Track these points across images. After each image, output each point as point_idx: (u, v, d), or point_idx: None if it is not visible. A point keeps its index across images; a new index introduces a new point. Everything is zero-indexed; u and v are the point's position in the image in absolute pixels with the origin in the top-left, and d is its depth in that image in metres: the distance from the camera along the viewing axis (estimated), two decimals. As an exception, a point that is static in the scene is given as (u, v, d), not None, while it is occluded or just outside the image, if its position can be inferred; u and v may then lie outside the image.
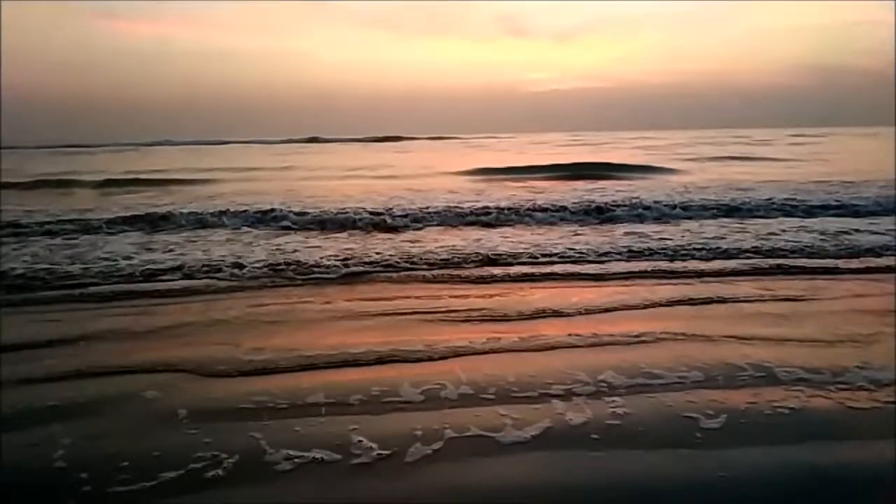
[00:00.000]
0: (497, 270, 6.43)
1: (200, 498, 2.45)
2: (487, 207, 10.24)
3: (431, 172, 19.49)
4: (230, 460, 2.68)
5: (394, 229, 8.98)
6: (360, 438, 2.85)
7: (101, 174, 19.82)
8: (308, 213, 9.85)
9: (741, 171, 18.10)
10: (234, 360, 3.90)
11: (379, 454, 2.72)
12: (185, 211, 10.36)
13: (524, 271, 6.40)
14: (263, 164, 25.01)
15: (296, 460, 2.67)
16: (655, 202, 10.57)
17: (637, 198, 11.30)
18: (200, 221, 9.64)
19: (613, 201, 10.81)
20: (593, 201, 10.78)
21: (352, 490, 2.49)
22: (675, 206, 10.15)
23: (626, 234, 8.50)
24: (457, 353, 3.95)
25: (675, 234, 8.40)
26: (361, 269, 6.62)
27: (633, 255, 7.06)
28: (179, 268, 6.69)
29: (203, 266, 6.74)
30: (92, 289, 5.99)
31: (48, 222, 9.61)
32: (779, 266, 6.45)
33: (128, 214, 10.21)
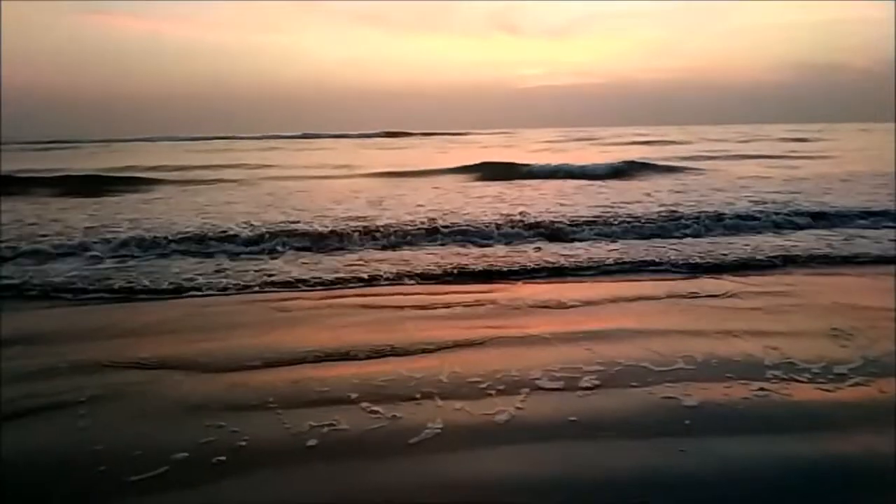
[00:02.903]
0: (489, 265, 6.54)
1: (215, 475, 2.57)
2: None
3: (420, 170, 19.42)
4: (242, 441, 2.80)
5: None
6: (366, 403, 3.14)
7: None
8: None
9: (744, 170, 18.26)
10: (232, 355, 3.98)
11: (393, 415, 3.04)
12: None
13: (514, 268, 6.49)
14: (248, 161, 24.71)
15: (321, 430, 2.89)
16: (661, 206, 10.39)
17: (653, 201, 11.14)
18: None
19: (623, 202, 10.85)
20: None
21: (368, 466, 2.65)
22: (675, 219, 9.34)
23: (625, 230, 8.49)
24: (447, 347, 4.06)
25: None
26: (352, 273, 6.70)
27: (626, 253, 7.14)
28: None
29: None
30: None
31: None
32: (770, 262, 6.59)
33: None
